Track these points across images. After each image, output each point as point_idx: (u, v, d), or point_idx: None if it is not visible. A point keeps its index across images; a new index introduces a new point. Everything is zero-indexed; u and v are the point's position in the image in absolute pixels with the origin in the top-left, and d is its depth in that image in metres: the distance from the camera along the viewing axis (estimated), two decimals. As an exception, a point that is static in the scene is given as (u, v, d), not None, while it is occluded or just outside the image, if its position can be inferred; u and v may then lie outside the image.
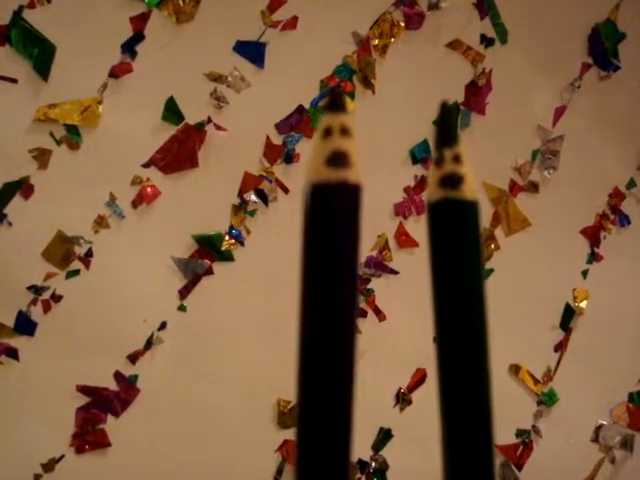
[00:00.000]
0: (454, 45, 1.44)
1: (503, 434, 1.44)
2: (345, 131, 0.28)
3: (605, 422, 1.53)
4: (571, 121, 1.51)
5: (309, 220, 0.29)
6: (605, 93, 1.54)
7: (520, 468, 1.46)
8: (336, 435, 0.28)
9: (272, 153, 1.31)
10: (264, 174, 1.31)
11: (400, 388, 1.39)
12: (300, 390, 0.29)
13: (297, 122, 1.32)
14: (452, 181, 0.30)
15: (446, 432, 0.30)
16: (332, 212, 0.28)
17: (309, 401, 0.28)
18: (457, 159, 0.30)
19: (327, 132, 0.29)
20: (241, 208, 1.29)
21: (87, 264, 1.21)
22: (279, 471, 1.30)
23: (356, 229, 0.29)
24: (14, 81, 1.18)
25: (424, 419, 1.40)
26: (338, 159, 0.28)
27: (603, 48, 1.53)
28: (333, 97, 0.29)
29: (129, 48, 1.23)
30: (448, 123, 0.31)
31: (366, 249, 1.36)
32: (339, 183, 0.28)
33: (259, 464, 1.30)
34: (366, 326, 1.35)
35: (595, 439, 1.53)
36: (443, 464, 0.30)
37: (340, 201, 0.28)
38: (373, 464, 1.37)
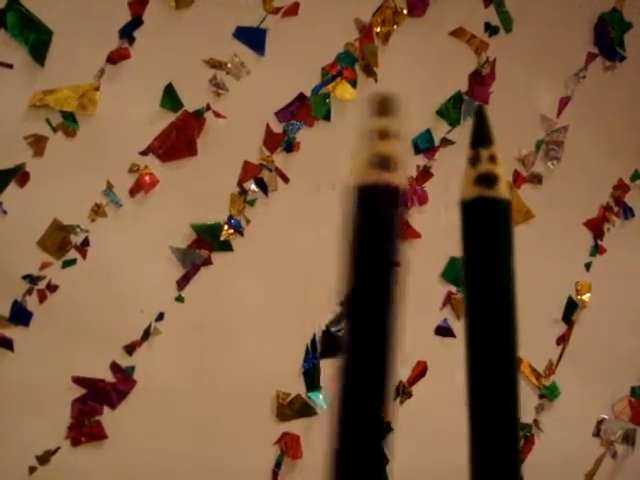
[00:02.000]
0: (458, 33, 1.42)
1: (504, 428, 1.43)
2: (392, 135, 0.30)
3: (607, 416, 1.53)
4: (576, 111, 1.49)
5: (355, 219, 0.31)
6: (610, 83, 1.53)
7: (521, 462, 1.45)
8: (373, 419, 0.32)
9: (272, 141, 1.29)
10: (264, 163, 1.29)
11: (400, 381, 1.38)
12: (342, 385, 0.32)
13: (298, 110, 1.30)
14: (488, 180, 0.32)
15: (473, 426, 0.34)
16: (377, 212, 0.30)
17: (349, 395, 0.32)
18: (492, 159, 0.32)
19: (374, 136, 0.30)
20: (240, 197, 1.27)
21: (83, 253, 1.20)
22: (277, 464, 1.29)
23: (398, 229, 0.31)
24: (9, 66, 1.17)
25: (424, 413, 1.40)
26: (384, 162, 0.30)
27: (609, 38, 1.52)
28: (381, 102, 0.31)
29: (127, 33, 1.21)
30: (484, 124, 0.33)
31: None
32: (384, 185, 0.30)
33: (257, 457, 1.29)
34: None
35: (597, 433, 1.52)
36: (469, 453, 0.34)
37: (384, 202, 0.30)
38: (373, 458, 1.35)
